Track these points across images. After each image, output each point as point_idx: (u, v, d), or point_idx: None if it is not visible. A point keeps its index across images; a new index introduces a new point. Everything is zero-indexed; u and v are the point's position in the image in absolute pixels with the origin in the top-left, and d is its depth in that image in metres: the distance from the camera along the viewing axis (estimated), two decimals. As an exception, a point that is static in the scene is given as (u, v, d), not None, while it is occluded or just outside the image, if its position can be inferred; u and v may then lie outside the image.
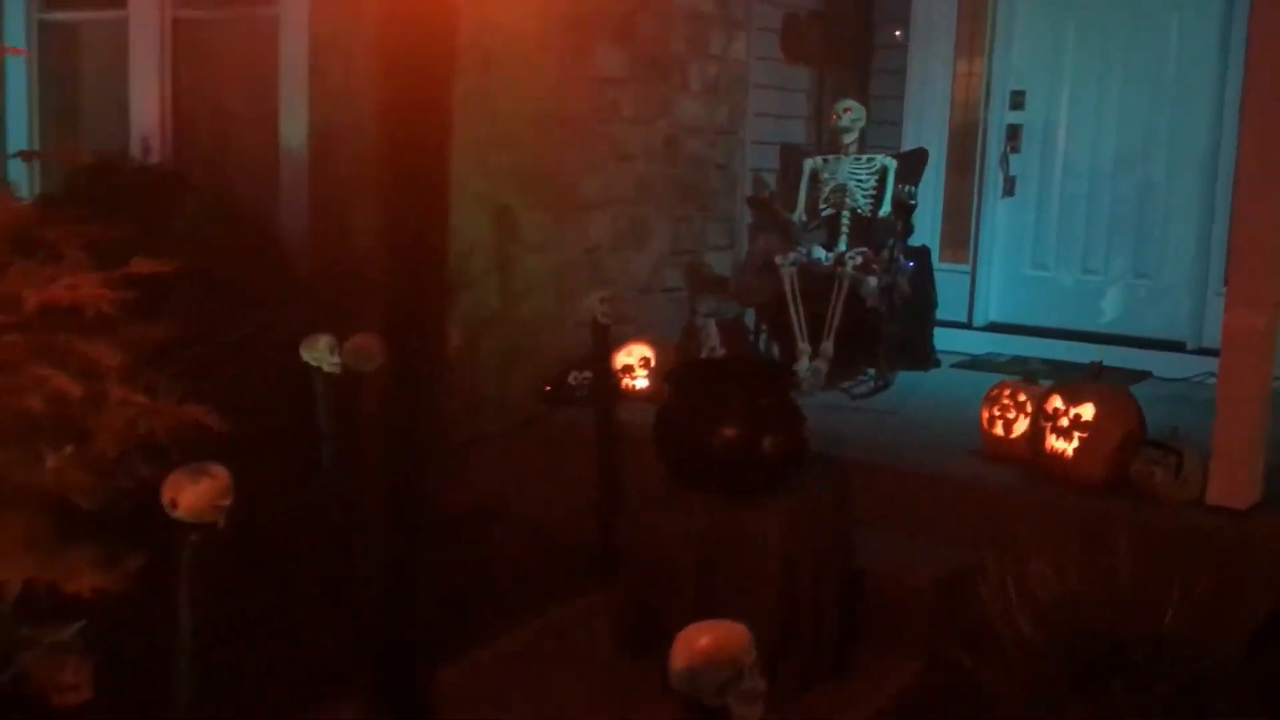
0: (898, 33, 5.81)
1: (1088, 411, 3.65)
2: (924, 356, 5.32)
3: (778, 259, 4.69)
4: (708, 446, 3.25)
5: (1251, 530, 3.42)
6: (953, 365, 5.40)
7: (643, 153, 4.82)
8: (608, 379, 4.03)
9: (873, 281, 4.61)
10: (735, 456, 3.25)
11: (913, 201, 4.85)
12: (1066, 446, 3.68)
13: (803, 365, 4.59)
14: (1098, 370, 3.88)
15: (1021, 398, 3.92)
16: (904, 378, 4.95)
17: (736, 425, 3.26)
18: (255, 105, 4.49)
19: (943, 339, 5.49)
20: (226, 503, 1.97)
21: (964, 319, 5.75)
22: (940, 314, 5.49)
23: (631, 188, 4.78)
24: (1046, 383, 3.91)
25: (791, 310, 4.64)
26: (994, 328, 5.73)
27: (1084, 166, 5.60)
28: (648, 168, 4.85)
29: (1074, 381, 3.83)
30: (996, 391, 3.93)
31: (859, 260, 4.66)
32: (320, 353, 3.23)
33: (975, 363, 5.44)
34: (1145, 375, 5.19)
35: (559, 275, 4.46)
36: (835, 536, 3.38)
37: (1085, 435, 3.64)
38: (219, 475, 1.99)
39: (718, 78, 5.18)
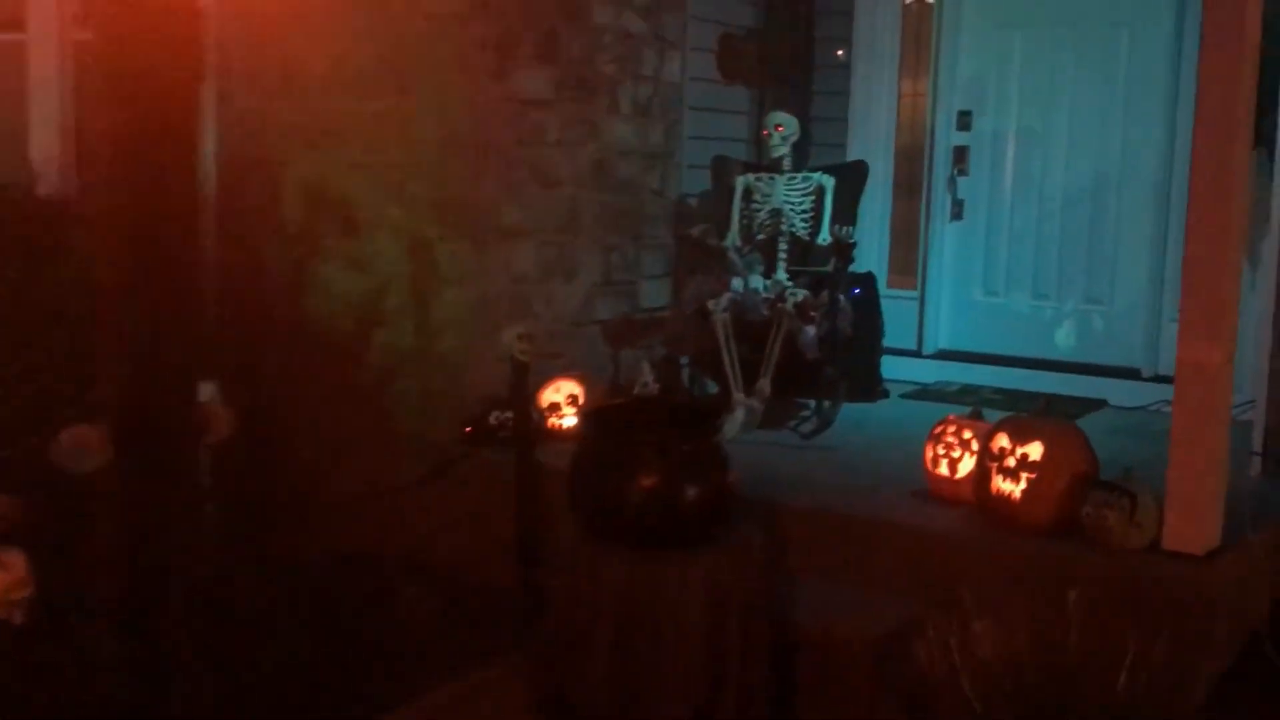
0: (840, 52, 5.64)
1: (1035, 451, 3.45)
2: (871, 387, 5.14)
3: (710, 304, 4.43)
4: (625, 497, 3.01)
5: (1210, 577, 3.21)
6: (902, 395, 5.23)
7: (570, 178, 4.60)
8: (527, 420, 3.87)
9: (811, 332, 4.39)
10: (654, 508, 3.01)
11: (851, 241, 4.61)
12: (1013, 488, 3.48)
13: (736, 414, 4.32)
14: (1046, 406, 3.64)
15: (967, 435, 3.71)
16: (850, 410, 4.73)
17: (655, 474, 3.02)
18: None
19: (892, 367, 5.33)
20: (23, 595, 1.66)
21: (914, 346, 5.60)
22: (889, 341, 5.31)
23: (559, 215, 4.56)
24: (997, 416, 3.76)
25: (725, 358, 4.40)
26: (944, 355, 5.59)
27: (1034, 189, 5.45)
28: (576, 194, 4.63)
29: (1021, 418, 3.65)
30: (941, 429, 3.74)
31: (799, 299, 4.41)
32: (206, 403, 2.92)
33: (925, 392, 5.29)
34: (1100, 404, 5.08)
35: (480, 309, 4.27)
36: (765, 592, 3.13)
37: (1033, 476, 3.44)
38: (13, 564, 1.68)
39: (651, 99, 4.98)
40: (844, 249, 4.59)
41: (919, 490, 3.79)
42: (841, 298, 4.57)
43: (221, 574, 2.47)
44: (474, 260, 4.25)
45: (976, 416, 3.77)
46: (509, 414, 3.99)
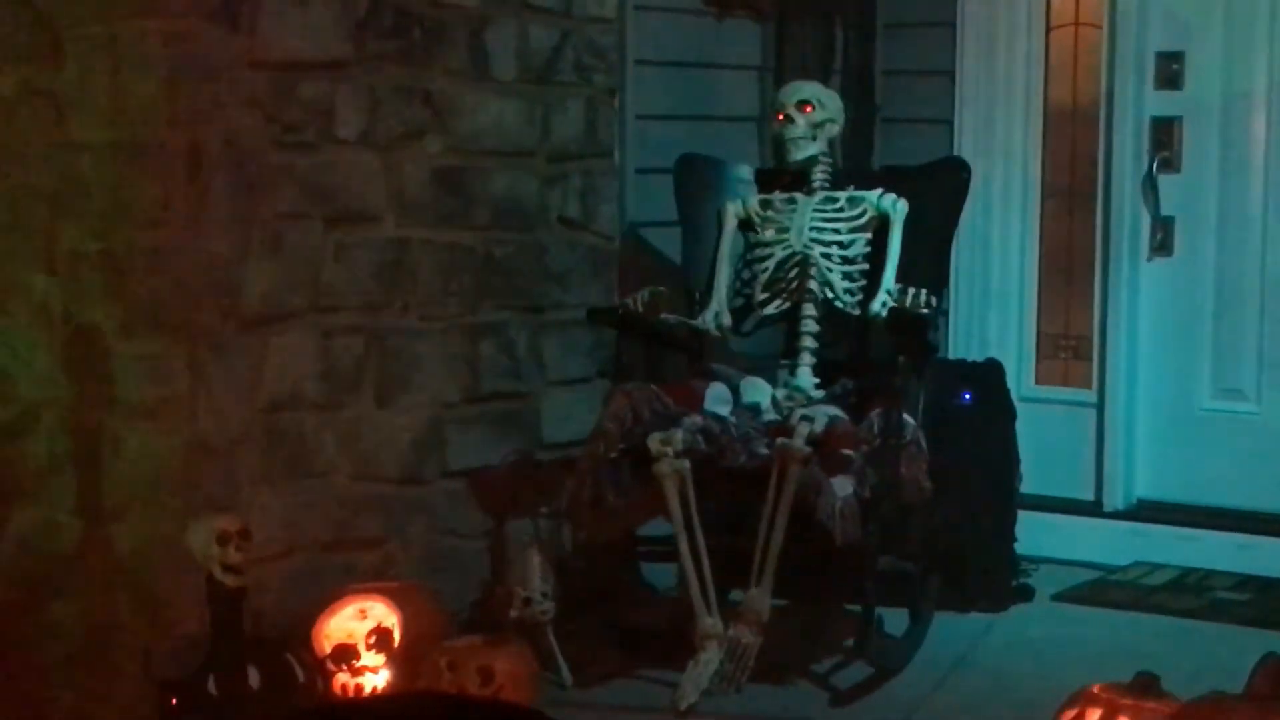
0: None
1: (1255, 774, 3.06)
2: (993, 581, 4.85)
3: (654, 445, 4.14)
4: None
5: None
6: (1058, 595, 4.96)
7: (390, 204, 4.35)
8: (239, 693, 3.63)
9: (843, 491, 4.09)
10: None
11: (924, 310, 4.37)
12: None
13: (702, 660, 4.05)
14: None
15: (1125, 726, 3.28)
16: (949, 628, 4.55)
17: None
18: None
19: (1043, 537, 5.11)
20: None
21: (1087, 496, 5.38)
22: (1039, 487, 5.13)
23: (366, 277, 4.32)
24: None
25: (684, 553, 4.13)
26: (1144, 513, 5.35)
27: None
28: (404, 234, 4.40)
29: (1224, 701, 3.16)
30: (1074, 715, 3.32)
31: (814, 430, 4.10)
32: None
33: (1103, 589, 5.03)
34: None
35: (195, 464, 3.96)
36: None
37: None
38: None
39: (557, 51, 4.75)
40: (913, 326, 4.34)
41: None
42: (909, 420, 4.30)
43: None
44: (184, 372, 3.94)
45: (1146, 688, 3.32)
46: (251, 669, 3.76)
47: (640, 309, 4.50)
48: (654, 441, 4.13)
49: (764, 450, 4.16)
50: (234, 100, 3.98)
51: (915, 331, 4.35)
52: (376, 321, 4.31)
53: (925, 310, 4.34)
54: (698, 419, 4.23)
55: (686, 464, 4.12)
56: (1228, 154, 5.22)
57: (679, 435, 4.16)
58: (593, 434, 4.34)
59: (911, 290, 4.37)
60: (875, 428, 4.20)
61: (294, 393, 4.14)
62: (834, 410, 4.24)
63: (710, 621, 4.09)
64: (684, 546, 4.13)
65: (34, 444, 4.00)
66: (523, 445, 4.71)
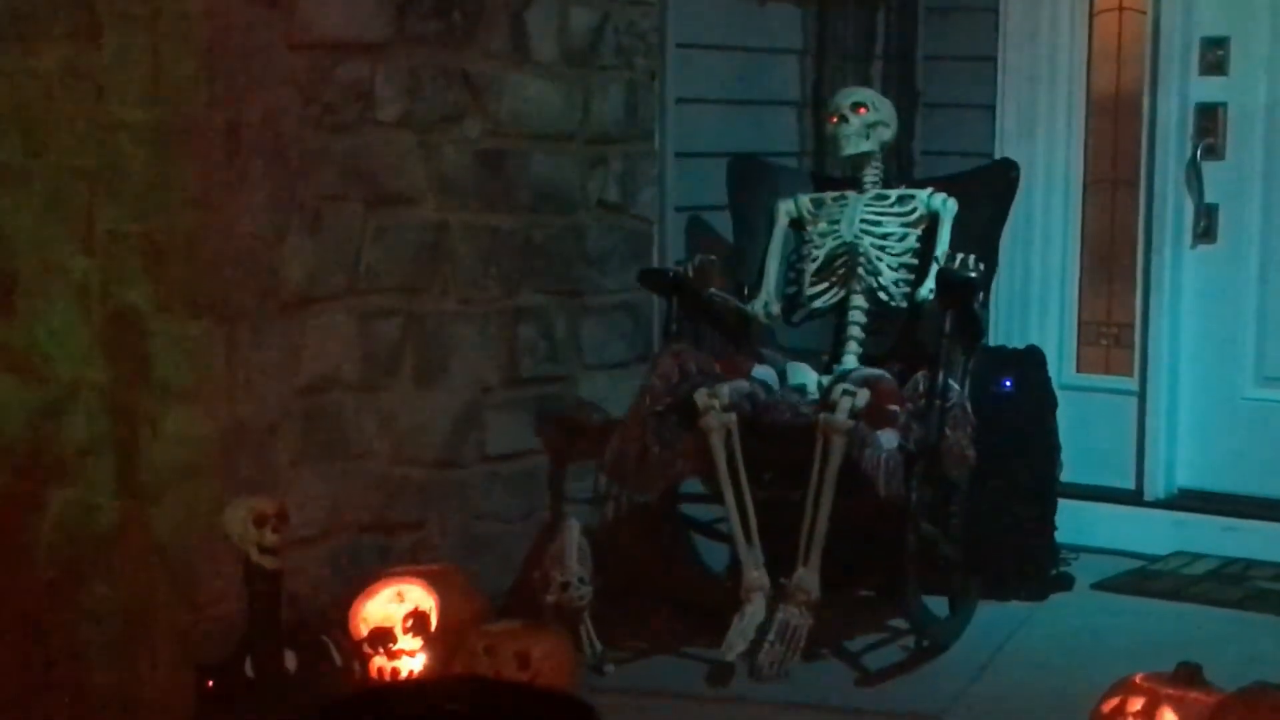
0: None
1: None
2: (1033, 570, 4.85)
3: (700, 399, 4.21)
4: None
5: None
6: (1097, 584, 4.96)
7: (430, 186, 4.35)
8: (277, 676, 3.62)
9: (888, 443, 4.15)
10: None
11: (972, 274, 4.37)
12: None
13: (748, 611, 4.12)
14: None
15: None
16: (988, 617, 4.55)
17: None
18: None
19: (1083, 526, 5.13)
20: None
21: (1128, 485, 5.38)
22: (1078, 475, 5.15)
23: (404, 259, 4.32)
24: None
25: (730, 505, 4.20)
26: (1186, 503, 5.33)
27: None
28: (442, 217, 4.39)
29: (1266, 695, 3.17)
30: (1115, 704, 3.32)
31: (862, 397, 4.15)
32: None
33: (1144, 579, 5.01)
34: None
35: (232, 446, 3.96)
36: None
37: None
38: None
39: (597, 34, 4.76)
40: (957, 291, 4.33)
41: None
42: (955, 385, 4.31)
43: None
44: (222, 354, 3.96)
45: (1189, 678, 3.32)
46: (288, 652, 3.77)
47: (690, 275, 4.50)
48: (700, 395, 4.19)
49: (804, 410, 4.22)
50: (273, 81, 3.97)
51: (962, 293, 4.32)
52: (415, 304, 4.32)
53: (973, 274, 4.34)
54: (744, 383, 4.29)
55: (733, 416, 4.17)
56: (1273, 140, 5.20)
57: (725, 389, 4.21)
58: (640, 390, 4.39)
59: (960, 255, 4.38)
60: (920, 387, 4.24)
61: (332, 375, 4.15)
62: (877, 371, 4.27)
63: (756, 574, 4.14)
64: (730, 499, 4.16)
65: (72, 425, 4.01)
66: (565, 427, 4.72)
